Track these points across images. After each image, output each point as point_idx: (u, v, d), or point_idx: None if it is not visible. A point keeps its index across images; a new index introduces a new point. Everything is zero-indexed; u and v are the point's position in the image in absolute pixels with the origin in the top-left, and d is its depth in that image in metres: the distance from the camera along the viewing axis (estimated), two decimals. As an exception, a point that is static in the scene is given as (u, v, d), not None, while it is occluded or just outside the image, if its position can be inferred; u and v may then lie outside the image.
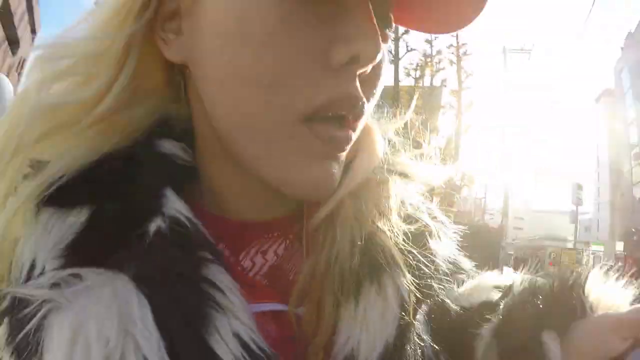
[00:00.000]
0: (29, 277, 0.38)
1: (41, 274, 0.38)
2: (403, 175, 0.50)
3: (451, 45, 21.56)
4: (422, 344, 0.43)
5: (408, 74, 21.28)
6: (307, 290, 0.42)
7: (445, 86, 22.01)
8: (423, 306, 0.44)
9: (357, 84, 0.38)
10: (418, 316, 0.43)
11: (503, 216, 23.16)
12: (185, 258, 0.38)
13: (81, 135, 0.42)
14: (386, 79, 0.44)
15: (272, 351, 0.38)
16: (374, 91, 0.42)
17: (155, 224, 0.39)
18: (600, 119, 44.58)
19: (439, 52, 21.54)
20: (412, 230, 0.45)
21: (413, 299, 0.42)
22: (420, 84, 21.58)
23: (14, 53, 27.87)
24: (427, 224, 0.48)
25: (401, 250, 0.44)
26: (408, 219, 0.47)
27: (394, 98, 18.75)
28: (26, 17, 27.89)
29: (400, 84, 20.51)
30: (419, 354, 0.42)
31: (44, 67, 0.43)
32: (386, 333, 0.40)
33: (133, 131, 0.43)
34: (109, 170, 0.41)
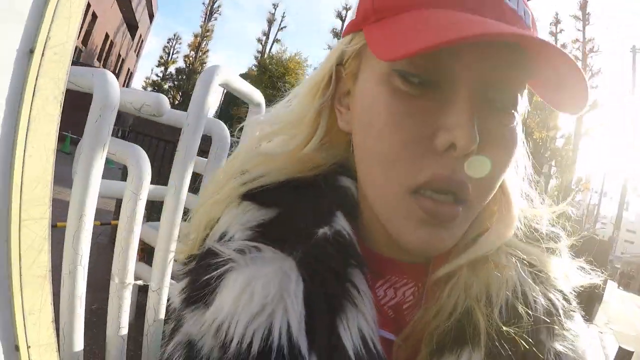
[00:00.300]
0: (220, 240, 0.52)
1: (230, 240, 0.51)
2: (528, 264, 0.52)
3: (577, 40, 20.32)
4: None
5: None
6: (411, 334, 0.50)
7: None
8: None
9: (459, 166, 0.42)
10: None
11: (615, 227, 21.78)
12: (338, 258, 0.48)
13: (284, 164, 0.57)
14: (514, 147, 0.46)
15: (384, 354, 0.46)
16: (492, 170, 0.44)
17: (323, 230, 0.49)
18: None
19: (563, 47, 19.82)
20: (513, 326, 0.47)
21: None
22: None
23: (132, 35, 30.85)
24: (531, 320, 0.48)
25: (492, 337, 0.46)
26: (512, 309, 0.48)
27: None
28: (144, 2, 29.98)
29: None
30: None
31: (262, 129, 0.61)
32: None
33: (318, 166, 0.56)
34: (296, 188, 0.54)
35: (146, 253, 3.54)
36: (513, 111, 0.46)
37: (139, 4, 28.95)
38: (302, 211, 0.52)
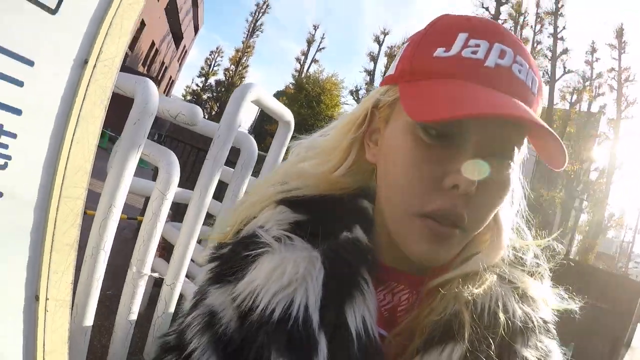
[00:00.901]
0: (254, 233, 0.61)
1: (267, 231, 0.60)
2: (511, 283, 0.61)
3: (612, 69, 19.85)
4: None
5: (563, 98, 20.30)
6: (402, 332, 0.59)
7: (604, 113, 20.38)
8: None
9: (460, 202, 0.52)
10: None
11: None
12: (355, 257, 0.58)
13: (317, 182, 0.67)
14: (506, 189, 0.56)
15: (378, 342, 0.55)
16: (484, 206, 0.55)
17: (345, 234, 0.60)
18: None
19: (599, 76, 20.03)
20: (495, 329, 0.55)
21: None
22: (576, 109, 20.25)
23: (176, 45, 32.03)
24: (507, 326, 0.55)
25: (476, 338, 0.54)
26: (493, 316, 0.56)
27: (547, 121, 17.45)
28: (190, 14, 31.33)
29: (555, 107, 19.80)
30: None
31: (300, 152, 0.73)
32: None
33: (345, 189, 0.66)
34: (325, 202, 0.64)
35: (166, 251, 3.71)
36: (510, 161, 0.55)
37: (185, 16, 30.26)
38: (329, 219, 0.62)
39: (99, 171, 2.57)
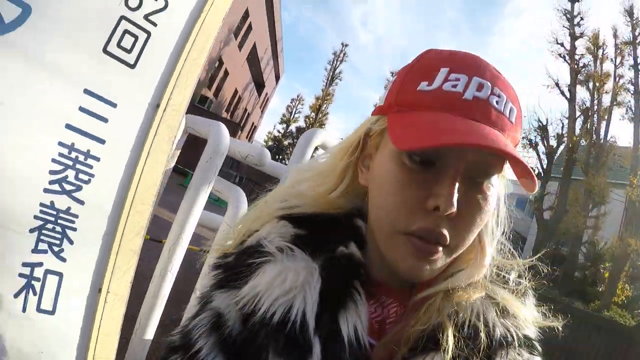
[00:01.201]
0: (259, 243, 0.64)
1: (270, 242, 0.64)
2: (491, 298, 0.64)
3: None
4: None
5: None
6: (390, 342, 0.62)
7: None
8: None
9: (442, 222, 0.56)
10: None
11: None
12: (350, 270, 0.62)
13: (315, 202, 0.71)
14: (486, 208, 0.59)
15: (368, 349, 0.58)
16: (465, 226, 0.58)
17: (341, 248, 0.63)
18: None
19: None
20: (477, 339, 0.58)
21: None
22: None
23: (259, 92, 33.44)
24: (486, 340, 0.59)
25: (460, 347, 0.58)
26: (474, 329, 0.60)
27: (634, 162, 16.11)
28: (271, 63, 32.61)
29: None
30: None
31: (299, 174, 0.78)
32: None
33: (341, 208, 0.70)
34: (323, 220, 0.68)
35: None
36: (489, 184, 0.59)
37: (267, 65, 31.53)
38: (326, 235, 0.65)
39: (176, 206, 2.85)
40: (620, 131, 29.09)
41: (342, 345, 0.57)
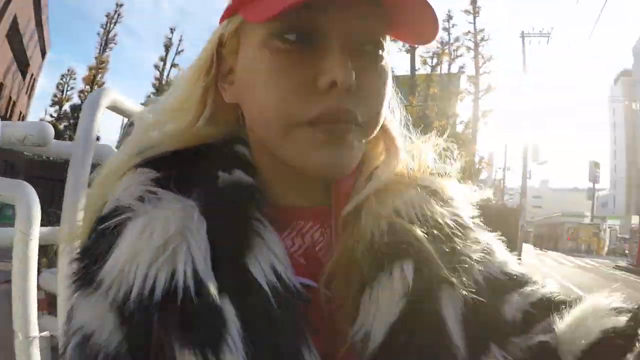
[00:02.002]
0: (115, 206, 0.50)
1: (128, 196, 0.50)
2: (426, 188, 0.59)
3: (469, 32, 21.31)
4: (445, 327, 0.48)
5: (425, 63, 21.50)
6: (335, 273, 0.52)
7: (464, 72, 22.00)
8: (450, 290, 0.50)
9: (343, 100, 0.48)
10: (445, 300, 0.50)
11: (521, 196, 23.46)
12: (240, 195, 0.51)
13: (178, 137, 0.58)
14: (386, 79, 0.54)
15: (299, 288, 0.47)
16: (371, 99, 0.52)
17: (224, 174, 0.52)
18: (617, 98, 45.63)
19: (456, 39, 21.54)
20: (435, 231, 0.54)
21: (433, 284, 0.50)
22: (438, 72, 21.75)
23: (23, 75, 28.68)
24: (446, 226, 0.55)
25: (428, 240, 0.52)
26: (426, 221, 0.54)
27: (411, 87, 19.28)
28: (35, 37, 28.37)
29: (418, 72, 21.18)
30: (438, 337, 0.48)
31: (147, 121, 0.63)
32: (391, 316, 0.48)
33: (211, 138, 0.58)
34: (194, 154, 0.55)
35: (53, 306, 3.18)
36: (380, 51, 0.53)
37: (30, 39, 27.22)
38: (201, 168, 0.54)
39: None
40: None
41: (262, 296, 0.45)
